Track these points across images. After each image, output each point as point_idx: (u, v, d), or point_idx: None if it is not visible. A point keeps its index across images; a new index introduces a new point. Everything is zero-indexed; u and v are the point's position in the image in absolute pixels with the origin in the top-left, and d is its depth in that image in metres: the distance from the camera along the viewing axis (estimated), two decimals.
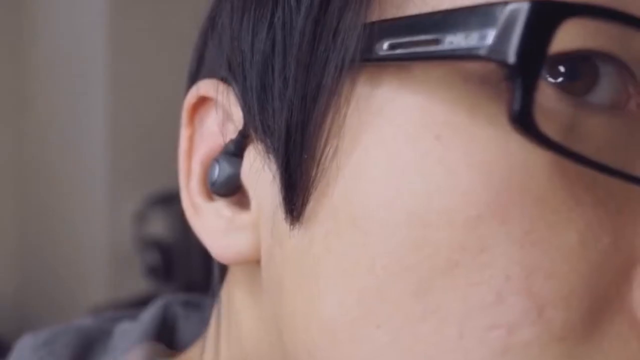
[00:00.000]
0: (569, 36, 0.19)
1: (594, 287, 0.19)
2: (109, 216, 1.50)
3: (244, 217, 0.25)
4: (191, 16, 0.30)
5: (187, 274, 1.37)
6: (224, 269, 0.30)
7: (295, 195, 0.23)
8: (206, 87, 0.26)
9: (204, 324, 0.32)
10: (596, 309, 0.19)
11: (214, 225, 0.26)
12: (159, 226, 1.42)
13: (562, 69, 0.20)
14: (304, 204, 0.23)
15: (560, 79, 0.20)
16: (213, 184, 0.26)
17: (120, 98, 1.48)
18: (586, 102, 0.20)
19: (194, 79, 0.29)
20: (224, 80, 0.26)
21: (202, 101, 0.27)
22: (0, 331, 1.39)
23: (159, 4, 1.45)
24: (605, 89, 0.20)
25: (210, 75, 0.27)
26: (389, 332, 0.21)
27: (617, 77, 0.20)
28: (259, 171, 0.24)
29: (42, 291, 1.65)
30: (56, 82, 1.60)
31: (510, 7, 0.18)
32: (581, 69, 0.20)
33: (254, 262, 0.26)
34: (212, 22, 0.28)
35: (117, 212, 1.49)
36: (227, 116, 0.26)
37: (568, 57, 0.20)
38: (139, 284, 1.43)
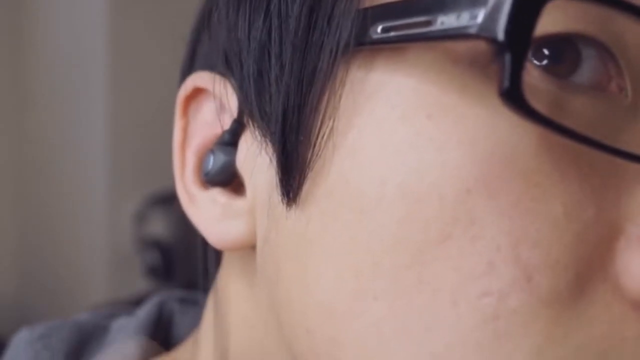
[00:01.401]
0: (552, 20, 0.20)
1: (578, 255, 0.20)
2: (109, 216, 1.50)
3: (239, 203, 0.26)
4: (191, 16, 0.30)
5: (187, 274, 1.37)
6: (219, 260, 0.31)
7: (292, 176, 0.24)
8: (200, 78, 0.27)
9: (200, 319, 0.32)
10: (581, 276, 0.20)
11: (210, 213, 0.27)
12: (159, 226, 1.42)
13: (546, 51, 0.21)
14: (300, 185, 0.23)
15: (545, 62, 0.21)
16: (207, 173, 0.26)
17: (120, 98, 1.48)
18: (570, 83, 0.21)
19: (186, 73, 0.29)
20: (218, 72, 0.27)
21: (196, 93, 0.28)
22: (0, 331, 1.39)
23: (159, 4, 1.45)
24: (587, 71, 0.21)
25: (204, 68, 0.28)
26: (385, 303, 0.21)
27: (598, 60, 0.21)
28: (255, 156, 0.25)
29: (42, 291, 1.65)
30: (56, 82, 1.60)
31: None
32: (564, 51, 0.21)
33: (248, 249, 0.26)
34: (205, 17, 0.28)
35: (117, 212, 1.49)
36: (222, 106, 0.27)
37: (552, 40, 0.21)
38: (139, 284, 1.43)
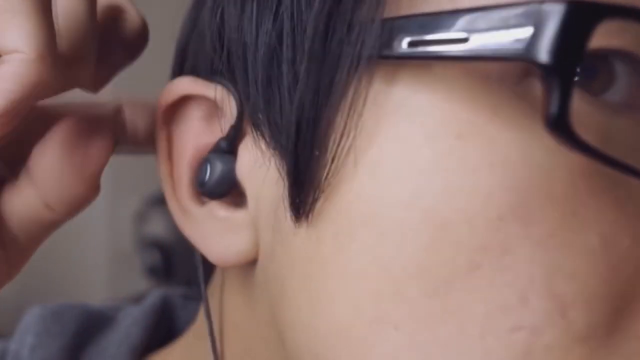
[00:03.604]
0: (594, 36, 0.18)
1: (614, 288, 0.19)
2: (109, 216, 1.50)
3: (240, 215, 0.25)
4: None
5: (187, 274, 1.37)
6: (207, 269, 0.30)
7: (304, 192, 0.22)
8: (188, 84, 0.25)
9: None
10: (616, 310, 0.19)
11: (210, 229, 0.25)
12: (159, 226, 1.42)
13: (578, 68, 0.19)
14: (313, 202, 0.22)
15: (576, 79, 0.19)
16: (204, 184, 0.25)
17: (120, 98, 1.48)
18: (604, 101, 0.20)
19: (177, 76, 0.28)
20: (208, 76, 0.25)
21: (181, 100, 0.26)
22: (0, 331, 1.39)
23: (159, 3, 1.45)
24: (621, 89, 0.20)
25: (193, 72, 0.26)
26: (407, 333, 0.20)
27: (633, 77, 0.20)
28: (260, 168, 0.24)
29: (42, 291, 1.64)
30: None
31: (546, 7, 0.17)
32: (598, 68, 0.20)
33: (248, 263, 0.25)
34: (193, 19, 0.27)
35: (117, 212, 1.49)
36: (216, 113, 0.25)
37: (586, 57, 0.19)
38: (139, 284, 1.43)
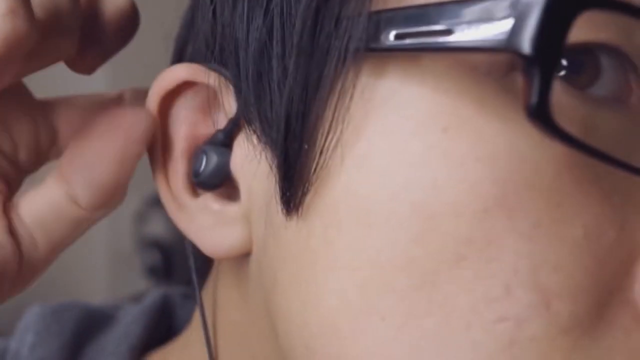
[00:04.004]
0: (577, 29, 0.19)
1: (598, 280, 0.19)
2: (109, 216, 1.50)
3: (233, 209, 0.25)
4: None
5: (187, 273, 1.37)
6: (202, 266, 0.30)
7: (294, 186, 0.22)
8: (185, 70, 0.25)
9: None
10: (600, 301, 0.20)
11: (203, 221, 0.25)
12: (159, 226, 1.42)
13: (564, 62, 0.20)
14: (302, 196, 0.22)
15: (562, 73, 0.20)
16: (198, 174, 0.25)
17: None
18: (589, 95, 0.20)
19: None
20: (209, 66, 0.25)
21: (181, 88, 0.26)
22: (0, 330, 1.39)
23: (160, 2, 1.45)
24: (607, 82, 0.20)
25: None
26: (394, 325, 0.20)
27: (619, 71, 0.20)
28: (252, 161, 0.24)
29: (41, 291, 1.64)
30: (56, 82, 1.59)
31: None
32: (584, 62, 0.20)
33: (241, 256, 0.25)
34: (190, 19, 0.27)
35: (117, 212, 1.49)
36: (214, 104, 0.25)
37: (572, 50, 0.19)
38: (139, 284, 1.43)
